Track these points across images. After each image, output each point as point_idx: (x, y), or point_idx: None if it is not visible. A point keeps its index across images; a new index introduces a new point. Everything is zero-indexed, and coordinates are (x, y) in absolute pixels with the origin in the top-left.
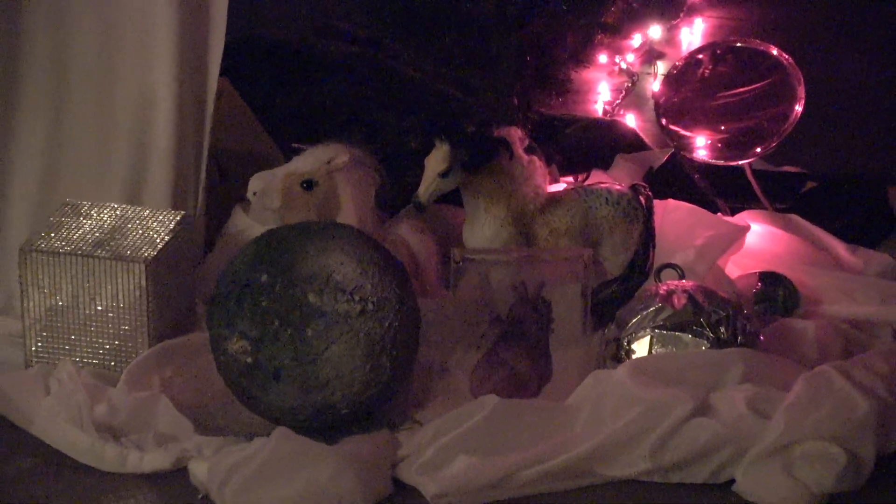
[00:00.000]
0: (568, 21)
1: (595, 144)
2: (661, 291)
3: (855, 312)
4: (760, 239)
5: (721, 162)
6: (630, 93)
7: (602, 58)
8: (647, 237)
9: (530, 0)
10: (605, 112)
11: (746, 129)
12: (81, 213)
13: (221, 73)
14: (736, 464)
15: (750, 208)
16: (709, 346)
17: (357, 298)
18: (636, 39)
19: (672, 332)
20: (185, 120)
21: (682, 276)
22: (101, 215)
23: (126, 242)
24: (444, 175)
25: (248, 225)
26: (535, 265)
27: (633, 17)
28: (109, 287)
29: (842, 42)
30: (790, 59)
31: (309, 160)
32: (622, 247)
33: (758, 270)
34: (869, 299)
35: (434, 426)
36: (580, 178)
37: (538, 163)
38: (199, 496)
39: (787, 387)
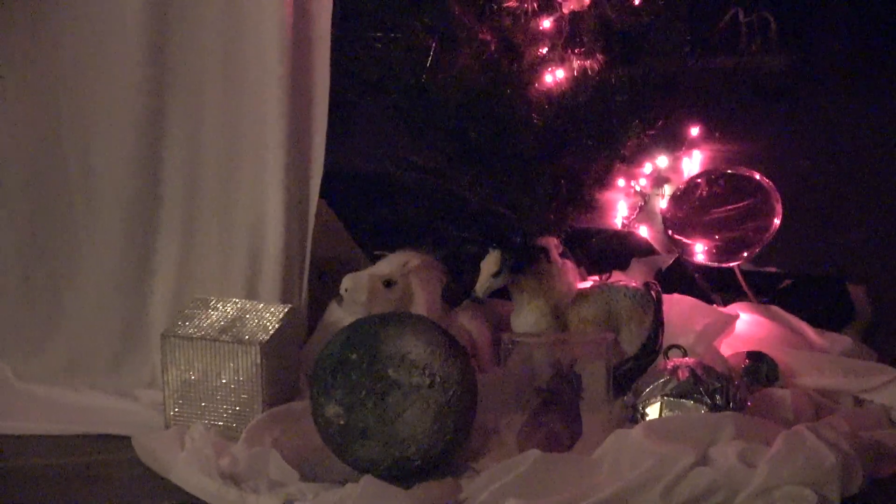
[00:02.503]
0: (593, 154)
1: (615, 251)
2: (669, 366)
3: (823, 384)
4: (747, 325)
5: (715, 264)
6: (643, 210)
7: (620, 182)
8: (657, 324)
9: (563, 137)
10: (622, 225)
11: (735, 238)
12: (209, 306)
13: (320, 196)
14: None
15: (738, 301)
16: (707, 410)
17: (427, 373)
18: (647, 167)
19: (678, 399)
20: (291, 232)
21: (685, 355)
22: (225, 308)
23: (245, 329)
24: (495, 275)
25: (341, 315)
26: (568, 346)
27: (645, 149)
28: (231, 364)
29: (809, 171)
30: (770, 183)
31: (389, 264)
32: (637, 331)
33: (745, 350)
34: (834, 373)
35: (488, 474)
36: (603, 277)
37: (570, 265)
38: None
39: (770, 443)
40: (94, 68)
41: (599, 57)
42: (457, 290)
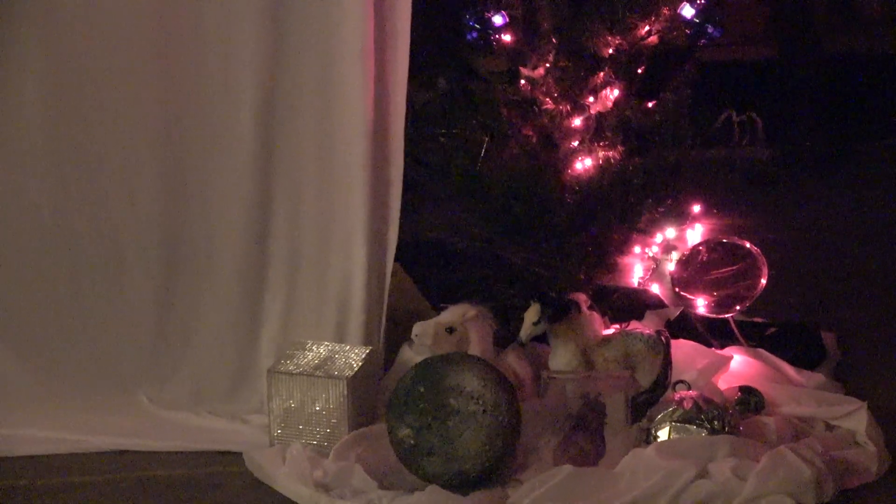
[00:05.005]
0: (615, 226)
1: (632, 304)
2: (676, 398)
3: (800, 412)
4: (739, 365)
5: (713, 315)
6: (655, 271)
7: (636, 249)
8: (666, 363)
9: (590, 213)
10: (639, 283)
11: (730, 295)
12: (306, 348)
13: (395, 259)
14: None
15: (732, 345)
16: (707, 433)
17: (481, 402)
18: (659, 237)
19: (683, 424)
20: (372, 289)
21: (689, 388)
22: (319, 349)
23: (334, 367)
24: (536, 324)
25: (411, 356)
26: (595, 381)
27: (657, 223)
28: (324, 395)
29: (790, 241)
30: (757, 250)
31: (450, 314)
32: (650, 370)
33: (738, 385)
34: (809, 403)
35: (530, 484)
36: (623, 325)
37: (596, 316)
38: None
39: (757, 460)
40: (213, 156)
41: (620, 148)
42: (505, 336)
